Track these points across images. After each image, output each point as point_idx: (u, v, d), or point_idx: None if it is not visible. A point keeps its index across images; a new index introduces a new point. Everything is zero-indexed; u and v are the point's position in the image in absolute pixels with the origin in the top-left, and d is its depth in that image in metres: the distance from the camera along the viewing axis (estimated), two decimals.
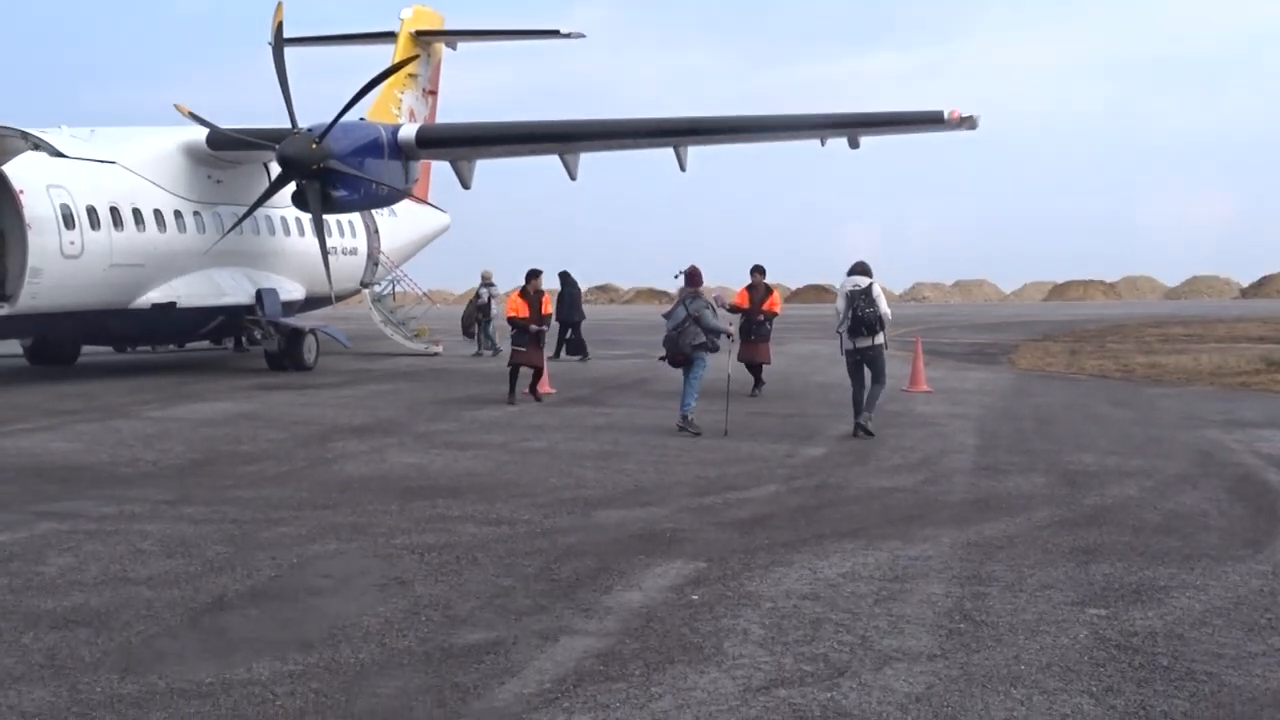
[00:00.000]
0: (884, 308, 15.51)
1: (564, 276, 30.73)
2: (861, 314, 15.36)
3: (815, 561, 8.66)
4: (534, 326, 19.22)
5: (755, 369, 20.76)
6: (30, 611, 7.29)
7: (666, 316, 16.60)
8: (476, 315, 32.48)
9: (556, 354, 28.60)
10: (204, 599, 7.60)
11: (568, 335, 30.03)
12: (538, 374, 19.95)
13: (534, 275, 19.97)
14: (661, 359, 16.96)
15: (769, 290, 21.02)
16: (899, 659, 6.47)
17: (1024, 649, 6.66)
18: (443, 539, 9.34)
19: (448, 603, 7.54)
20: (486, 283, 32.37)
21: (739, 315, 20.45)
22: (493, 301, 31.81)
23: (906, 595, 7.75)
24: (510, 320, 19.48)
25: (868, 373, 15.78)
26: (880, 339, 15.63)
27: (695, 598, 7.67)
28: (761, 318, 20.64)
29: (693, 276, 16.36)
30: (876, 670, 6.29)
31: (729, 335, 16.87)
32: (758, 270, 21.00)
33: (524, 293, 19.63)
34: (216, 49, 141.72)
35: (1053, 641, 6.81)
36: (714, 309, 16.43)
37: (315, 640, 6.75)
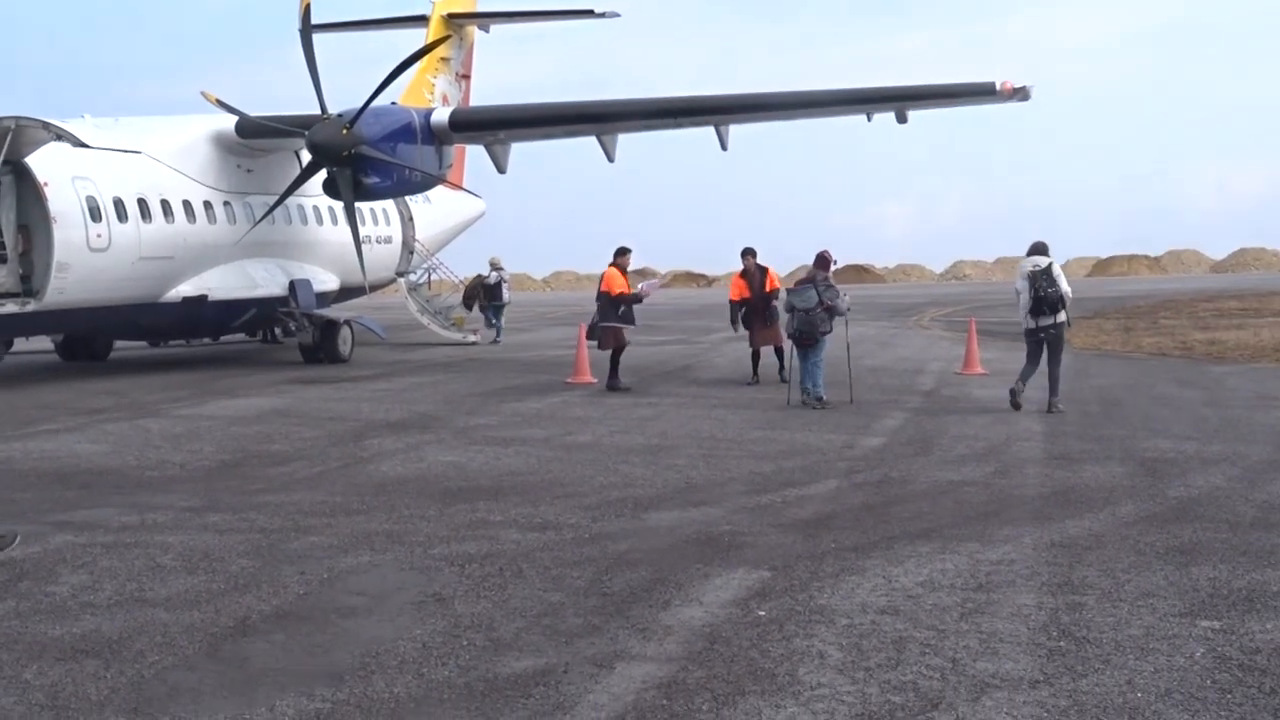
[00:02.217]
0: (1065, 286, 15.72)
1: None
2: (1044, 293, 15.57)
3: (889, 568, 7.95)
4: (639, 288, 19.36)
5: (778, 353, 19.71)
6: (36, 640, 6.67)
7: (790, 294, 17.08)
8: (479, 295, 31.56)
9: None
10: (225, 622, 6.96)
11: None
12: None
13: (623, 252, 19.44)
14: (789, 336, 17.34)
15: (764, 271, 19.87)
16: (997, 686, 5.75)
17: (1136, 672, 5.94)
18: (484, 548, 8.68)
19: (491, 623, 6.87)
20: (496, 267, 31.71)
21: (741, 306, 19.69)
22: (504, 286, 31.11)
23: (995, 607, 7.03)
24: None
25: (1045, 352, 16.00)
26: (1062, 317, 15.80)
27: (762, 614, 6.97)
28: (761, 301, 19.60)
29: (823, 260, 17.33)
30: (974, 701, 5.58)
31: (847, 311, 17.40)
32: (749, 253, 19.84)
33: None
34: (247, 41, 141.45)
35: (1167, 662, 6.08)
36: (840, 294, 17.05)
37: (345, 671, 6.11)
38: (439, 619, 6.95)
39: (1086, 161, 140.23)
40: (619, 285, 18.88)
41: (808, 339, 16.75)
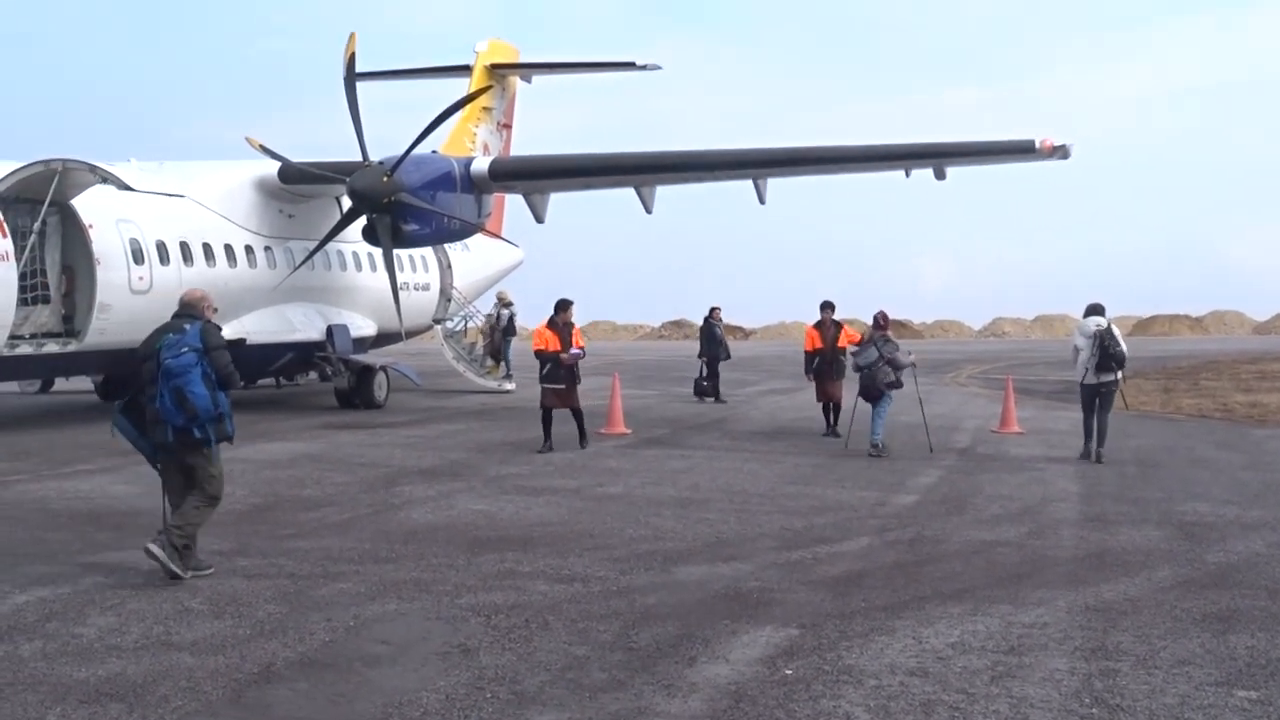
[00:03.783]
0: (1123, 346, 16.86)
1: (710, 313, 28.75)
2: (1112, 351, 16.65)
3: (919, 629, 7.85)
4: (566, 353, 17.57)
5: (835, 408, 20.22)
6: (61, 681, 6.67)
7: (855, 355, 18.14)
8: (493, 336, 31.46)
9: (699, 394, 27.57)
10: (250, 668, 6.94)
11: (701, 376, 28.04)
12: (578, 416, 18.17)
13: (564, 306, 18.06)
14: (861, 396, 18.15)
15: (838, 326, 20.24)
16: None
17: None
18: (512, 598, 8.63)
19: (515, 675, 6.82)
20: (505, 303, 31.77)
21: (814, 357, 20.03)
22: (514, 319, 31.24)
23: (1026, 672, 6.92)
24: (537, 354, 17.89)
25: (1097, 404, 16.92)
26: (1120, 375, 16.98)
27: (789, 672, 6.89)
28: (830, 355, 19.97)
29: (882, 321, 18.10)
30: None
31: (914, 365, 18.17)
32: (828, 306, 20.26)
33: (552, 323, 17.93)
34: (293, 87, 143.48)
35: None
36: (899, 348, 17.97)
37: None
38: (463, 670, 6.91)
39: (1128, 220, 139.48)
40: (540, 343, 17.98)
41: (872, 393, 17.68)
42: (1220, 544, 10.83)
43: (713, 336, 27.83)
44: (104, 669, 6.90)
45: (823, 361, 20.03)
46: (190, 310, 9.69)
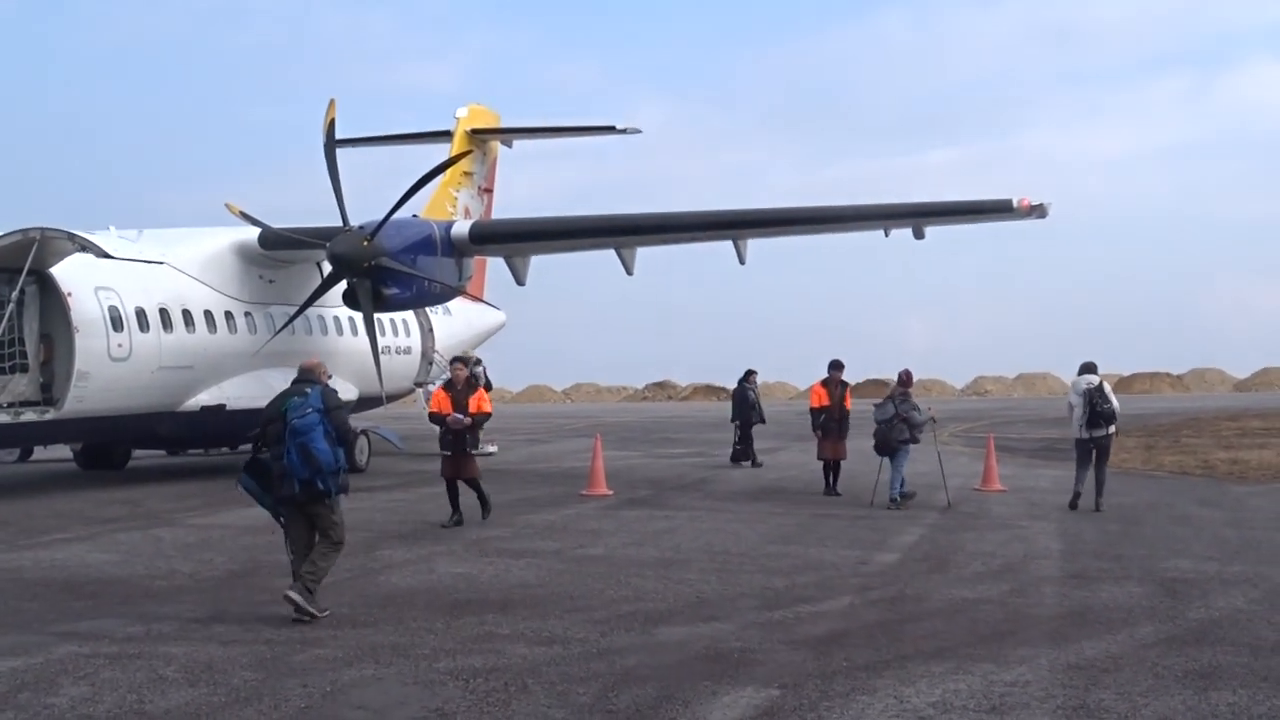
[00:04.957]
0: (1115, 403, 17.70)
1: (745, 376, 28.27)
2: (1100, 409, 17.49)
3: (901, 688, 7.80)
4: (452, 416, 16.08)
5: (835, 467, 20.29)
6: None
7: (876, 408, 18.79)
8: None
9: (735, 460, 26.88)
10: None
11: (735, 441, 27.44)
12: (474, 487, 16.69)
13: (464, 363, 17.21)
14: (873, 448, 18.83)
15: (844, 386, 20.46)
16: None
17: None
18: (490, 661, 8.56)
19: None
20: (475, 361, 31.79)
21: (820, 414, 20.13)
22: (486, 375, 31.29)
23: None
24: (430, 416, 16.74)
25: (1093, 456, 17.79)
26: (1112, 429, 17.79)
27: None
28: (838, 413, 20.17)
29: (905, 379, 18.83)
30: None
31: (933, 420, 18.93)
32: (837, 366, 20.48)
33: (449, 384, 16.63)
34: (272, 153, 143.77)
35: None
36: (919, 409, 18.48)
37: None
38: None
39: (1109, 278, 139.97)
40: (434, 404, 16.79)
41: (885, 448, 18.33)
42: (1202, 600, 10.82)
43: (745, 400, 27.29)
44: None
45: (829, 419, 20.06)
46: (308, 376, 10.71)
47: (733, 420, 27.59)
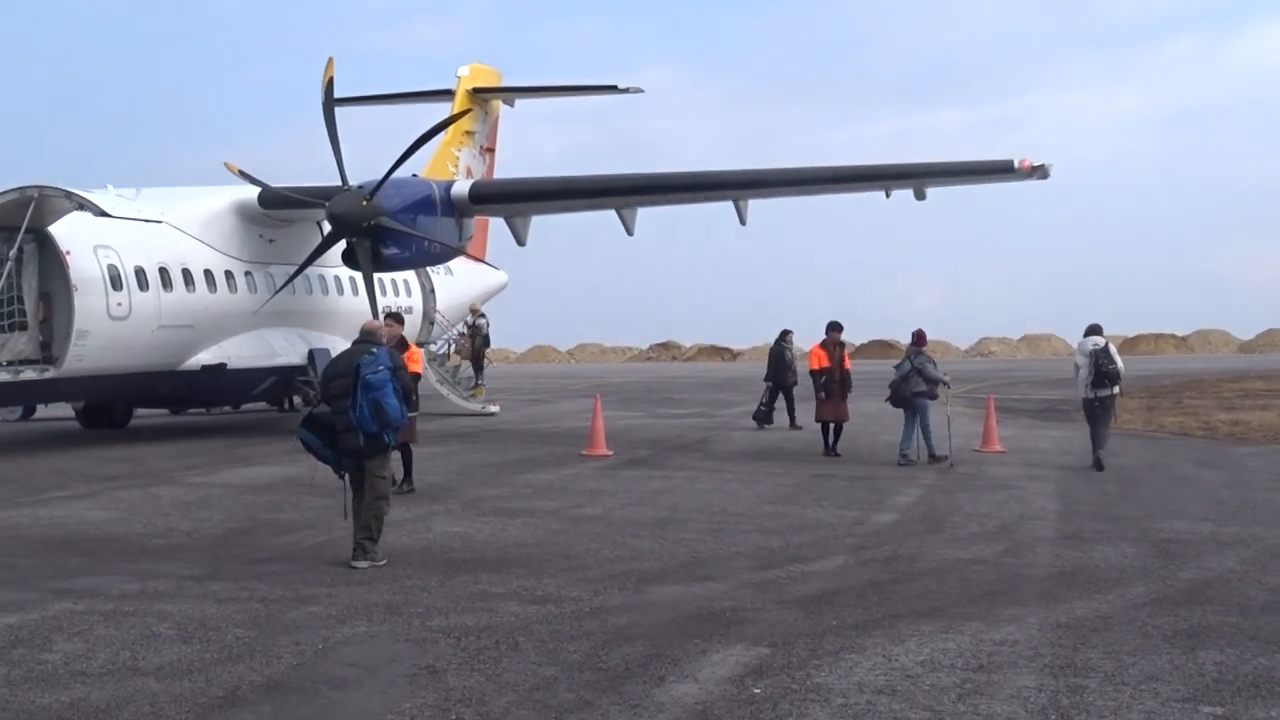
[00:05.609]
0: (1120, 363, 18.14)
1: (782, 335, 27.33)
2: (1105, 369, 17.91)
3: (890, 647, 7.83)
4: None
5: (837, 428, 20.31)
6: (24, 708, 6.62)
7: (896, 367, 19.56)
8: (474, 342, 31.34)
9: (760, 420, 25.64)
10: (215, 692, 6.90)
11: (763, 401, 26.15)
12: (406, 452, 15.49)
13: (395, 319, 15.97)
14: (886, 400, 19.60)
15: (842, 347, 20.65)
16: None
17: None
18: (482, 620, 8.60)
19: (482, 696, 6.78)
20: (478, 313, 31.80)
21: (822, 375, 20.20)
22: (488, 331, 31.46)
23: (994, 689, 6.90)
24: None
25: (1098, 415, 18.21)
26: (1116, 389, 18.21)
27: (757, 691, 6.86)
28: (839, 374, 20.22)
29: (919, 338, 19.58)
30: None
31: (946, 384, 19.46)
32: (835, 327, 20.60)
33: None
34: (271, 112, 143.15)
35: None
36: (934, 364, 19.27)
37: None
38: (430, 692, 6.87)
39: (1115, 239, 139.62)
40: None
41: (901, 402, 18.95)
42: (1195, 561, 10.83)
43: (781, 360, 26.36)
44: (68, 694, 6.85)
45: (830, 380, 20.10)
46: (370, 337, 11.23)
47: (765, 380, 26.57)
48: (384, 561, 10.63)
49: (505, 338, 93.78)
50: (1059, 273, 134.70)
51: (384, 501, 10.89)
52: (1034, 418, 28.96)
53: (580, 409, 31.13)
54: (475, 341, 31.59)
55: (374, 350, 10.84)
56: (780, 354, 26.62)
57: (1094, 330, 18.44)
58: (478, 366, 31.88)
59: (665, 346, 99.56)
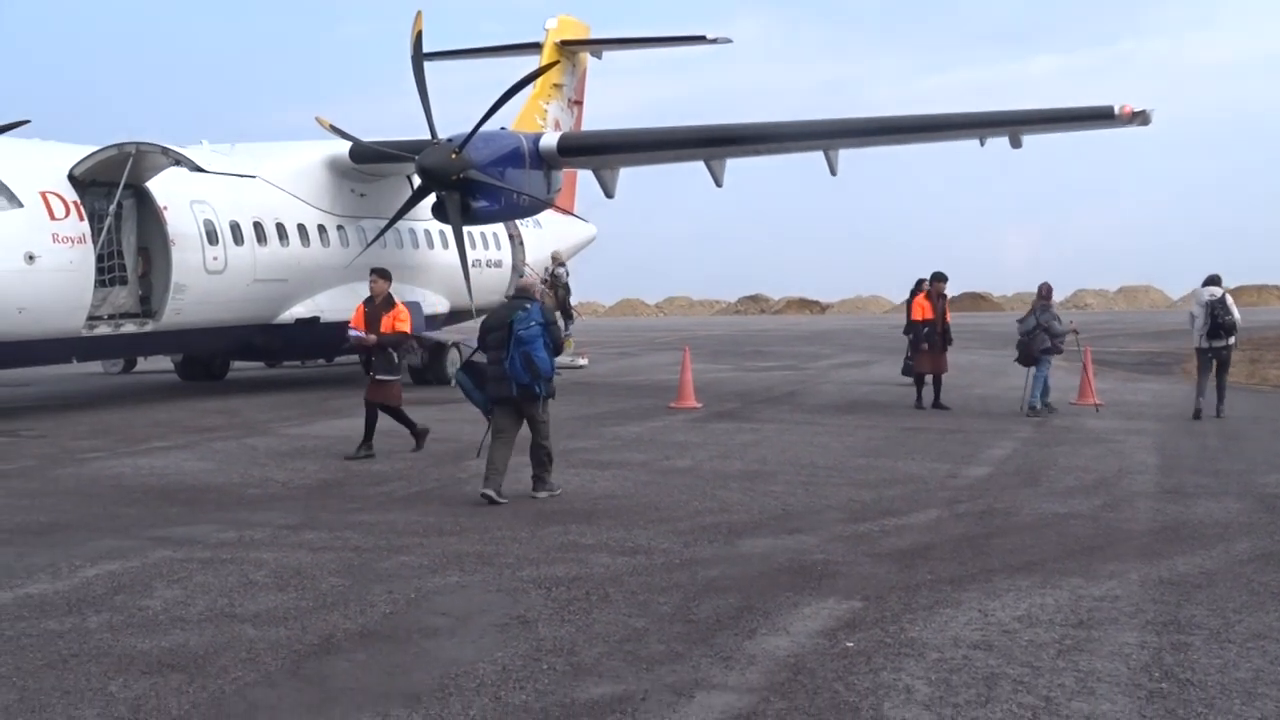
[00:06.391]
0: (1236, 314, 18.29)
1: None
2: (1221, 320, 18.07)
3: (986, 602, 7.70)
4: (352, 333, 14.75)
5: (936, 380, 20.01)
6: (125, 653, 6.74)
7: (1020, 322, 19.37)
8: (556, 294, 30.38)
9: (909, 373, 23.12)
10: (310, 640, 6.97)
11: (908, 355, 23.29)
12: (395, 415, 15.01)
13: (382, 275, 15.32)
14: (1015, 360, 19.57)
15: (944, 299, 20.34)
16: None
17: (1242, 717, 5.65)
18: (573, 571, 8.61)
19: (573, 647, 6.79)
20: (559, 262, 31.47)
21: (924, 326, 19.88)
22: (567, 282, 30.98)
23: (1095, 645, 6.76)
24: (352, 334, 14.91)
25: (1214, 366, 18.47)
26: (1232, 340, 18.42)
27: (850, 645, 6.79)
28: (941, 325, 19.91)
29: (1045, 291, 19.41)
30: None
31: (1075, 332, 19.64)
32: (939, 278, 20.27)
33: (369, 300, 15.01)
34: (363, 67, 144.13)
35: (1275, 709, 5.78)
36: (1059, 319, 19.11)
37: (423, 692, 6.06)
38: (521, 642, 6.89)
39: (1215, 189, 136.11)
40: (353, 320, 15.07)
41: (1027, 358, 18.89)
42: None
43: None
44: (167, 640, 6.96)
45: (933, 331, 19.80)
46: (525, 294, 11.99)
47: (905, 332, 23.46)
48: (559, 490, 11.80)
49: (593, 290, 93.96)
50: (1157, 223, 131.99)
51: (547, 440, 11.85)
52: (1131, 371, 28.40)
53: (669, 362, 31.10)
54: (557, 292, 31.47)
55: (528, 306, 11.59)
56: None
57: (1212, 280, 18.50)
58: (566, 318, 31.86)
59: (754, 300, 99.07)
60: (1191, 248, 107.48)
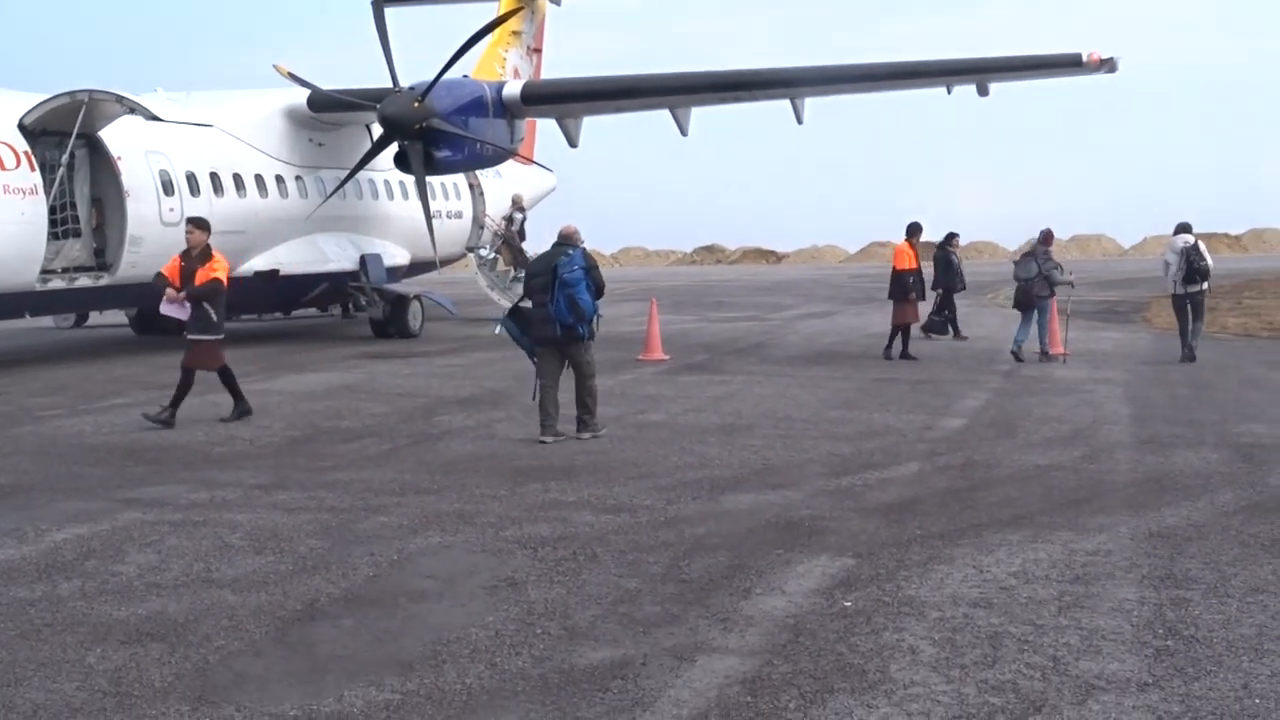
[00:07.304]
0: (1210, 260, 18.76)
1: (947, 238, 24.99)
2: (1197, 265, 18.41)
3: (979, 557, 7.60)
4: (166, 291, 13.30)
5: (906, 330, 19.72)
6: (101, 621, 6.51)
7: (1017, 265, 19.61)
8: (513, 242, 29.65)
9: (928, 331, 22.62)
10: (293, 605, 6.77)
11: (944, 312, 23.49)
12: (227, 382, 13.75)
13: (198, 225, 13.88)
14: (1015, 306, 20.16)
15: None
16: (1104, 689, 5.41)
17: (1252, 675, 5.57)
18: (558, 530, 8.43)
19: (565, 610, 6.62)
20: (519, 206, 30.72)
21: (910, 276, 19.61)
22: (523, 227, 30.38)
23: (1094, 601, 6.67)
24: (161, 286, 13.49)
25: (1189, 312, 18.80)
26: (1206, 285, 18.88)
27: (848, 604, 6.67)
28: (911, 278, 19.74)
29: (1046, 237, 19.91)
30: (1080, 704, 5.24)
31: (1071, 284, 19.74)
32: (918, 229, 20.40)
33: (185, 252, 13.62)
34: (320, 14, 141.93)
35: None
36: (1060, 268, 19.41)
37: (416, 660, 5.88)
38: (512, 605, 6.71)
39: (1166, 138, 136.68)
40: (167, 270, 13.70)
41: (1026, 304, 19.12)
42: None
43: (949, 266, 23.71)
44: (144, 608, 6.74)
45: (918, 281, 19.77)
46: (567, 241, 12.46)
47: (933, 288, 23.21)
48: (604, 430, 12.35)
49: (550, 240, 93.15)
50: (1106, 173, 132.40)
51: (591, 381, 12.39)
52: (1092, 320, 28.48)
53: (632, 313, 30.85)
54: (513, 237, 30.71)
55: (570, 251, 12.17)
56: (947, 259, 23.96)
57: (1184, 228, 19.01)
58: (521, 262, 31.28)
59: (709, 250, 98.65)
60: (1140, 197, 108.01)
